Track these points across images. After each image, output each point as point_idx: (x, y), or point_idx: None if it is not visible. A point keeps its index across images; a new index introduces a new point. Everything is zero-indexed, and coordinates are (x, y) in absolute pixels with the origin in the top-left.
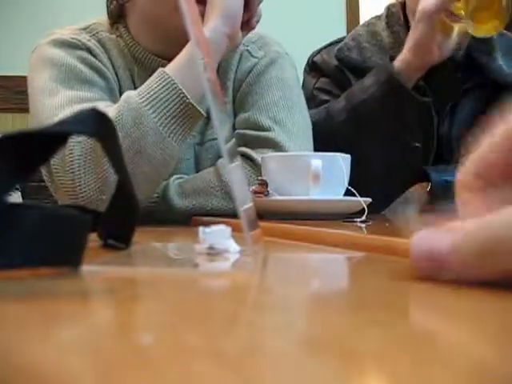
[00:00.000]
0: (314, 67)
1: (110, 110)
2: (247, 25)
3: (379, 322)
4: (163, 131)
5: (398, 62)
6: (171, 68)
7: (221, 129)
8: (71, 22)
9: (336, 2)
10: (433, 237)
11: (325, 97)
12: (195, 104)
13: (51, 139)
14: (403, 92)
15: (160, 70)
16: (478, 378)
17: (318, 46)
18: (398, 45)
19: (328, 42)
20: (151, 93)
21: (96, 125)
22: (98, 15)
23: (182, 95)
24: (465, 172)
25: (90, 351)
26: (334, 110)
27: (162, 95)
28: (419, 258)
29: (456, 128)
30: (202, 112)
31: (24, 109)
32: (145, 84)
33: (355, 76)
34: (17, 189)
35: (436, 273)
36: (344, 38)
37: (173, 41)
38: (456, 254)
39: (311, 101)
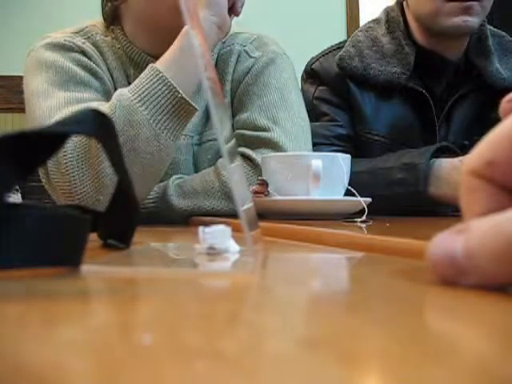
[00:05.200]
0: (312, 75)
1: (102, 108)
2: (231, 10)
3: (379, 322)
4: (156, 127)
5: (433, 189)
6: (162, 63)
7: (221, 128)
8: (71, 23)
9: (336, 4)
10: (450, 241)
11: (325, 108)
12: (187, 98)
13: (51, 139)
14: (426, 202)
15: (151, 65)
16: (479, 379)
17: (319, 49)
18: (398, 51)
19: (327, 46)
20: (142, 89)
21: (95, 125)
22: (98, 16)
23: (173, 90)
24: (476, 157)
25: (89, 351)
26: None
27: (153, 91)
28: (439, 264)
29: (453, 133)
30: (195, 106)
31: (24, 109)
32: (136, 80)
33: (356, 84)
34: (17, 189)
35: (456, 278)
36: (341, 43)
37: (168, 41)
38: (471, 260)
39: (311, 111)
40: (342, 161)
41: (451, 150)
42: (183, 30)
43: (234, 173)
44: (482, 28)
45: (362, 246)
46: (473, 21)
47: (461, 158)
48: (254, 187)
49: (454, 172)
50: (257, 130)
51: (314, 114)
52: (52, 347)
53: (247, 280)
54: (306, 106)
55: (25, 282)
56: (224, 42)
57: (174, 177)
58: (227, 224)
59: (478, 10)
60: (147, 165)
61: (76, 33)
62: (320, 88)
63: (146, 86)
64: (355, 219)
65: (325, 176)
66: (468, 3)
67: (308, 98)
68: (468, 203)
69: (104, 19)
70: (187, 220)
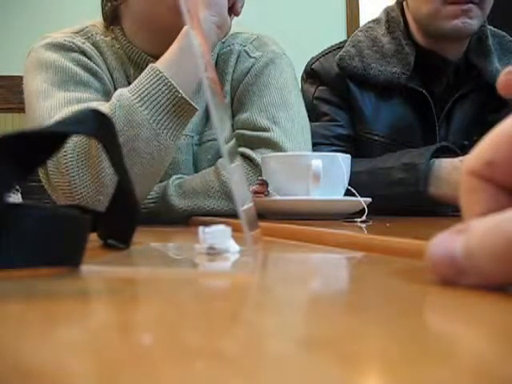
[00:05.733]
0: (312, 75)
1: (102, 108)
2: (231, 10)
3: (379, 322)
4: (156, 127)
5: (433, 189)
6: (162, 63)
7: (221, 128)
8: (71, 23)
9: (336, 4)
10: (450, 241)
11: (325, 108)
12: (187, 98)
13: (51, 139)
14: (426, 202)
15: (151, 65)
16: (479, 379)
17: (319, 49)
18: (398, 51)
19: (327, 46)
20: (142, 89)
21: (95, 125)
22: (97, 16)
23: (173, 90)
24: (476, 157)
25: (89, 351)
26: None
27: (153, 91)
28: (439, 264)
29: (453, 133)
30: (195, 106)
31: (24, 109)
32: (136, 80)
33: (356, 84)
34: (17, 189)
35: (456, 278)
36: (341, 43)
37: (168, 41)
38: (470, 260)
39: (311, 111)
40: (342, 161)
41: (451, 150)
42: (183, 30)
43: (234, 173)
44: (483, 28)
45: (361, 246)
46: (472, 23)
47: (461, 157)
48: (253, 187)
49: (454, 172)
50: (257, 130)
51: (313, 114)
52: (52, 347)
53: (247, 280)
54: (306, 106)
55: (25, 282)
56: (224, 42)
57: (174, 177)
58: (227, 224)
59: (478, 12)
60: (147, 165)
61: (76, 33)
62: (320, 88)
63: (146, 86)
64: (355, 219)
65: (325, 176)
66: (467, 6)
67: (308, 98)
68: (468, 203)
69: (104, 19)
70: (187, 220)
